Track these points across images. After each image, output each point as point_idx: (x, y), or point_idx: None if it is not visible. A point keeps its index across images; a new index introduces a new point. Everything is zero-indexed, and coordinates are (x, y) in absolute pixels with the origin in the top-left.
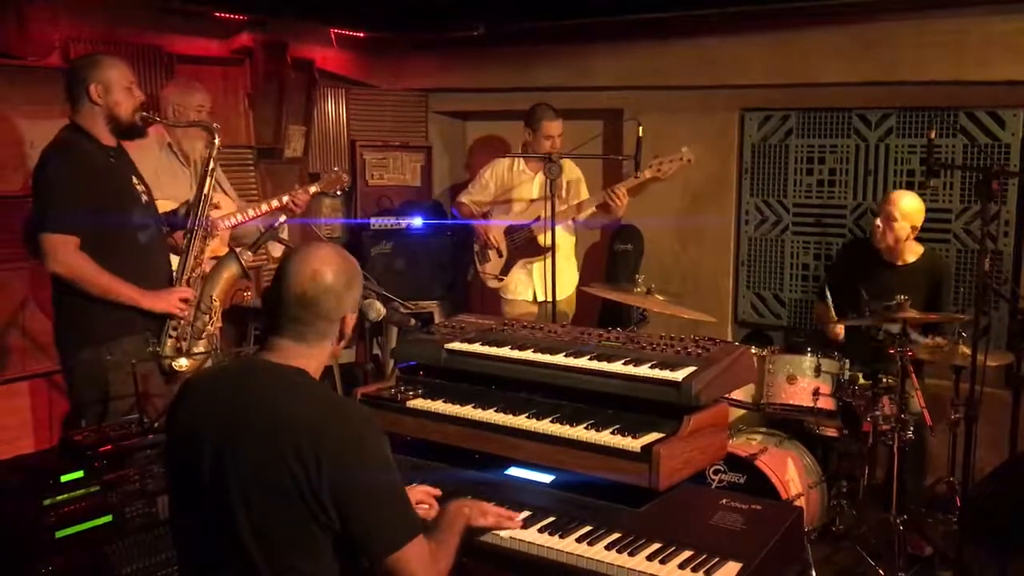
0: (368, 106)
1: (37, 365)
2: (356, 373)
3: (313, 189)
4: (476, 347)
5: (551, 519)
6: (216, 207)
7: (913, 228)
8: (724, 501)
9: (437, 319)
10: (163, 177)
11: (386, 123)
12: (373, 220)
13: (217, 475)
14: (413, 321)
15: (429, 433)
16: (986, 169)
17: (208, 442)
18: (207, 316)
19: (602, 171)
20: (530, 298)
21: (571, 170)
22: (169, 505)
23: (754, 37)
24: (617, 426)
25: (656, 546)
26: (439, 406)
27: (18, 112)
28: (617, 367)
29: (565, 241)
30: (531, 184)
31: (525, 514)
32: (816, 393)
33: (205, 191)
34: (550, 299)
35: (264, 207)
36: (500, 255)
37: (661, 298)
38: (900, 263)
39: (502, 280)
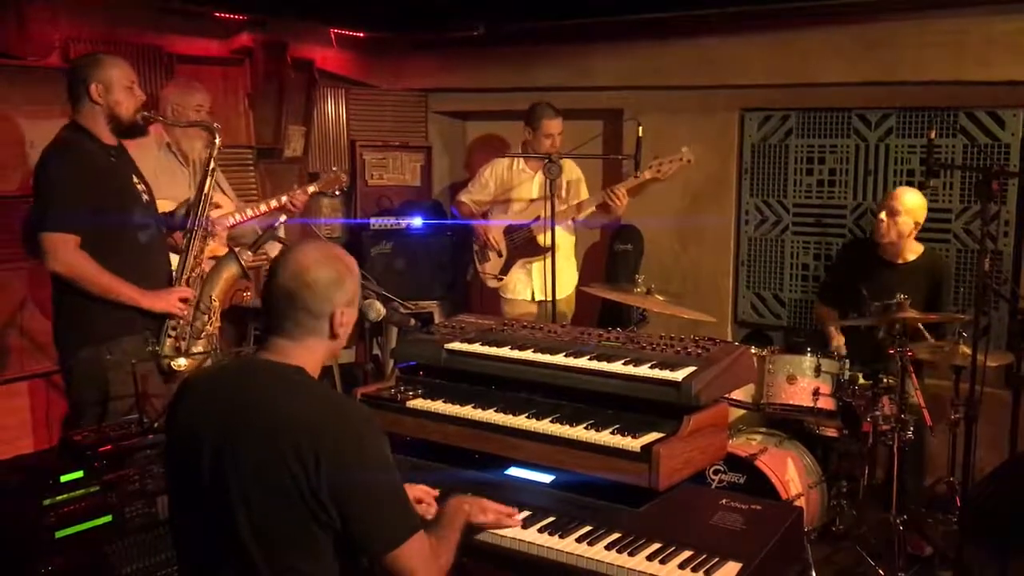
0: (368, 106)
1: (36, 365)
2: (356, 373)
3: (312, 189)
4: (476, 347)
5: (551, 519)
6: (216, 207)
7: (916, 224)
8: (724, 501)
9: (437, 319)
10: (162, 177)
11: (386, 123)
12: (373, 220)
13: (216, 475)
14: (413, 321)
15: (429, 433)
16: (986, 169)
17: (207, 442)
18: (206, 316)
19: (602, 171)
20: (529, 297)
21: (571, 170)
22: (169, 505)
23: (754, 37)
24: (617, 426)
25: (656, 546)
26: (439, 406)
27: (18, 112)
28: (617, 367)
29: (565, 241)
30: (531, 183)
31: (525, 514)
32: (816, 393)
33: (205, 191)
34: (549, 298)
35: (263, 207)
36: (500, 255)
37: (661, 298)
38: (900, 261)
39: (502, 280)
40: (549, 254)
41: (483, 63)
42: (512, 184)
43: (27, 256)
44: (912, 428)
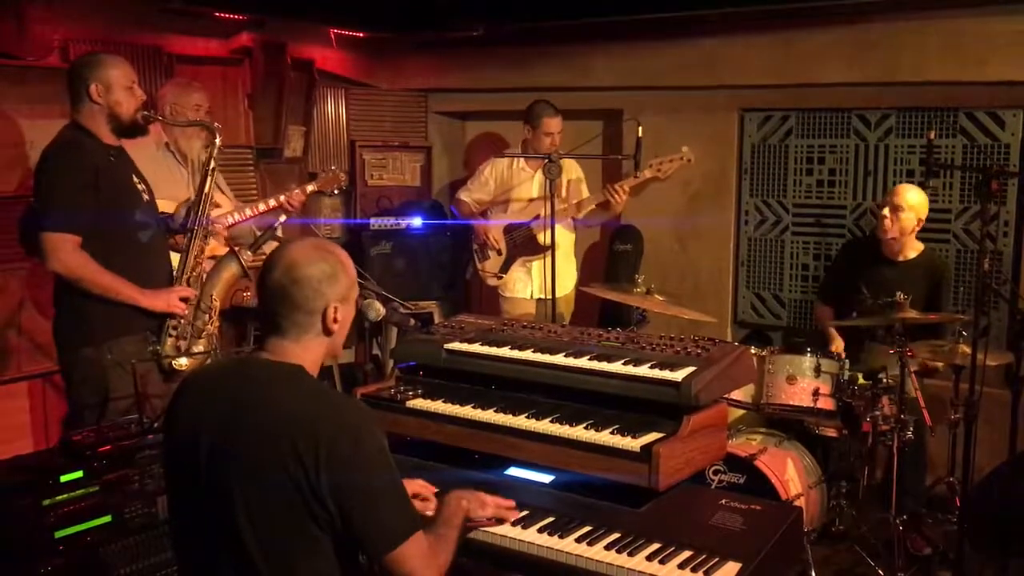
0: (368, 106)
1: (35, 366)
2: (356, 373)
3: (310, 188)
4: (476, 347)
5: (551, 519)
6: (216, 206)
7: (919, 221)
8: (724, 501)
9: (437, 319)
10: (160, 177)
11: (386, 123)
12: (373, 220)
13: (215, 474)
14: (413, 321)
15: (429, 433)
16: (985, 169)
17: (206, 441)
18: (207, 315)
19: (602, 171)
20: (529, 296)
21: (572, 169)
22: (168, 505)
23: (754, 37)
24: (617, 426)
25: (656, 546)
26: (439, 406)
27: (17, 112)
28: (617, 367)
29: (565, 239)
30: (531, 183)
31: (524, 513)
32: (816, 393)
33: (206, 190)
34: (549, 297)
35: (261, 207)
36: (499, 253)
37: (661, 298)
38: (901, 259)
39: (501, 278)
40: (549, 253)
41: (483, 63)
42: (512, 183)
43: (26, 256)
44: (912, 428)
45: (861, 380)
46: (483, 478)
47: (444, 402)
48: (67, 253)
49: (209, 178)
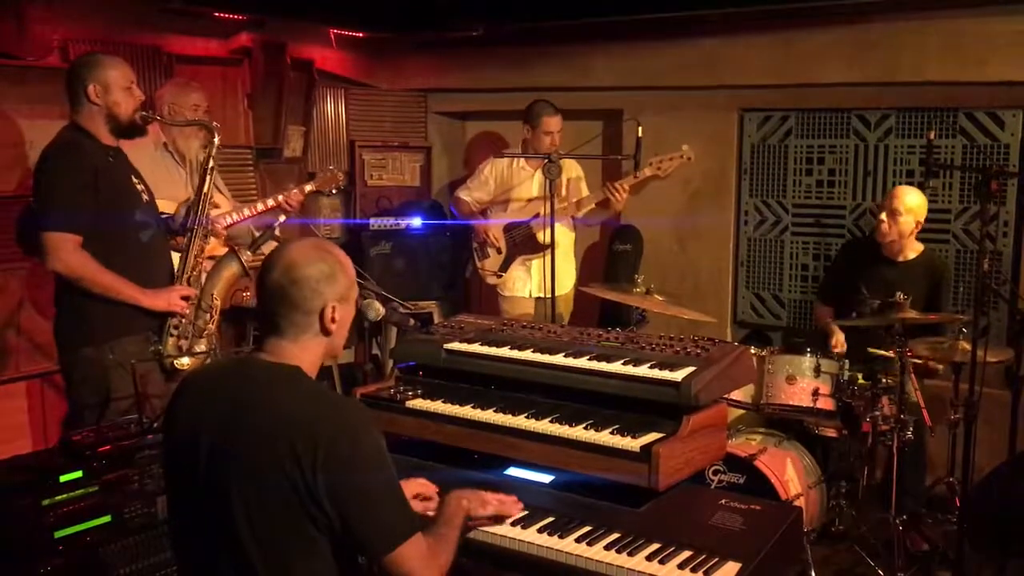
0: (367, 106)
1: (33, 366)
2: (355, 373)
3: (308, 188)
4: (475, 347)
5: (550, 519)
6: (216, 206)
7: (917, 223)
8: (723, 501)
9: (436, 319)
10: (159, 177)
11: (385, 123)
12: (372, 220)
13: (214, 474)
14: (412, 321)
15: (429, 433)
16: (985, 169)
17: (205, 441)
18: (208, 314)
19: (602, 171)
20: (528, 295)
21: (571, 168)
22: (167, 505)
23: (754, 37)
24: (616, 426)
25: (655, 546)
26: (438, 406)
27: (17, 112)
28: (616, 367)
29: (564, 238)
30: (531, 182)
31: (524, 513)
32: (815, 393)
33: (205, 189)
34: (548, 296)
35: (259, 207)
36: (499, 251)
37: (660, 298)
38: (901, 259)
39: (500, 276)
40: (548, 251)
41: (483, 63)
42: (512, 183)
43: (25, 256)
44: (911, 428)
45: (861, 380)
46: (482, 478)
47: (444, 402)
48: (68, 252)
49: (208, 177)
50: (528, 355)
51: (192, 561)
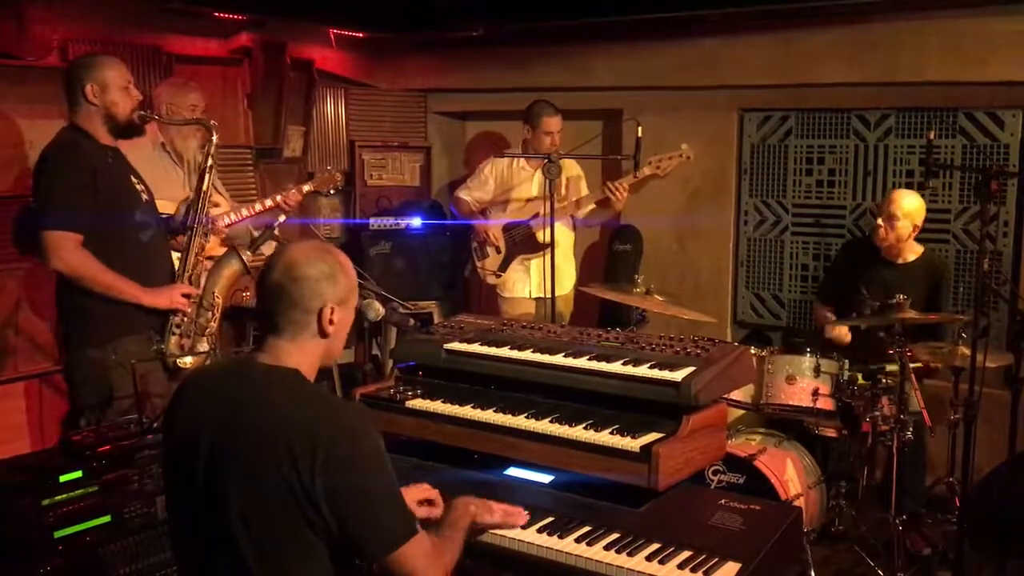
0: (367, 106)
1: (31, 366)
2: (355, 373)
3: (306, 188)
4: (475, 347)
5: (550, 519)
6: (215, 205)
7: (915, 227)
8: (723, 501)
9: (436, 319)
10: (157, 177)
11: (385, 123)
12: (372, 220)
13: (212, 476)
14: (412, 321)
15: (428, 433)
16: (985, 170)
17: (204, 442)
18: (210, 312)
19: (601, 171)
20: (528, 295)
21: (571, 167)
22: (166, 505)
23: (754, 37)
24: (616, 426)
25: (655, 546)
26: (438, 406)
27: (16, 112)
28: (616, 367)
29: (564, 238)
30: (531, 182)
31: (527, 516)
32: (815, 393)
33: (204, 187)
34: (548, 296)
35: (257, 207)
36: (498, 251)
37: (660, 298)
38: (900, 261)
39: (499, 276)
40: (548, 251)
41: (483, 63)
42: (512, 183)
43: (21, 256)
44: (911, 428)
45: (861, 380)
46: (482, 478)
47: (443, 402)
48: (68, 252)
49: (207, 175)
50: (528, 355)
51: (191, 561)
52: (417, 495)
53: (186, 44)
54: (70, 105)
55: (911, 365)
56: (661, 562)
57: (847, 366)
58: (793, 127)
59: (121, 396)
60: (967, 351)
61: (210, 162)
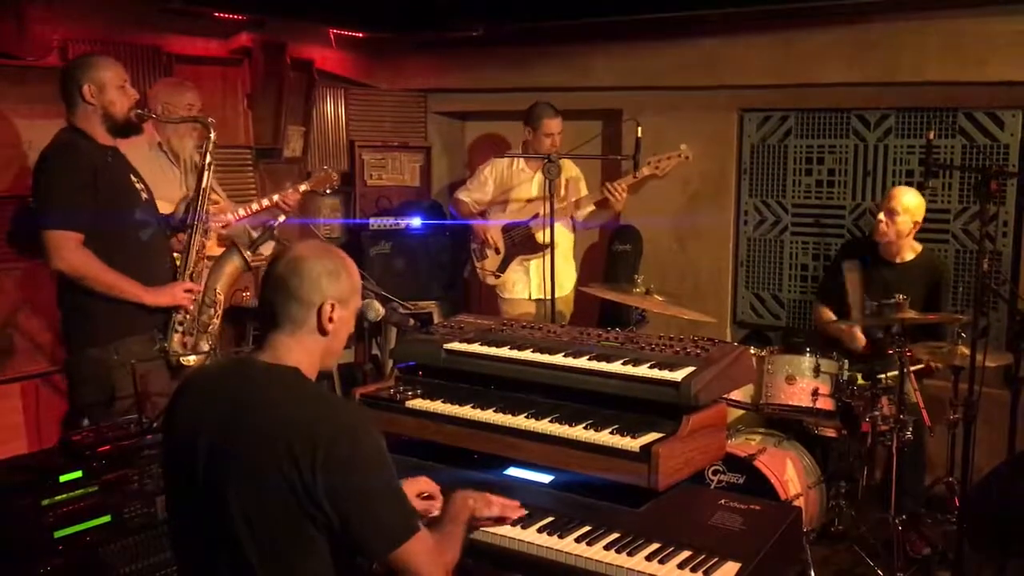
0: (367, 106)
1: (29, 367)
2: (355, 373)
3: (303, 188)
4: (475, 347)
5: (550, 519)
6: (214, 203)
7: (915, 224)
8: (723, 501)
9: (436, 319)
10: (154, 177)
11: (385, 123)
12: (372, 220)
13: (213, 475)
14: (412, 321)
15: (428, 433)
16: (985, 170)
17: (204, 442)
18: (212, 310)
19: (601, 171)
20: (528, 296)
21: (570, 168)
22: (166, 505)
23: (753, 37)
24: (616, 426)
25: (655, 546)
26: (438, 406)
27: (15, 112)
28: (616, 367)
29: (564, 239)
30: (531, 183)
31: (524, 513)
32: (815, 393)
33: (203, 185)
34: (548, 297)
35: (255, 206)
36: (497, 252)
37: (660, 298)
38: (899, 260)
39: (499, 277)
40: (547, 252)
41: (483, 63)
42: (512, 184)
43: (18, 257)
44: (911, 428)
45: (860, 380)
46: (482, 478)
47: (443, 402)
48: (70, 251)
49: (206, 173)
50: (528, 355)
51: (191, 561)
52: (417, 488)
53: (186, 44)
54: (67, 106)
55: (912, 367)
56: (661, 562)
57: (847, 366)
58: (793, 127)
59: (123, 396)
60: (967, 351)
61: (208, 159)
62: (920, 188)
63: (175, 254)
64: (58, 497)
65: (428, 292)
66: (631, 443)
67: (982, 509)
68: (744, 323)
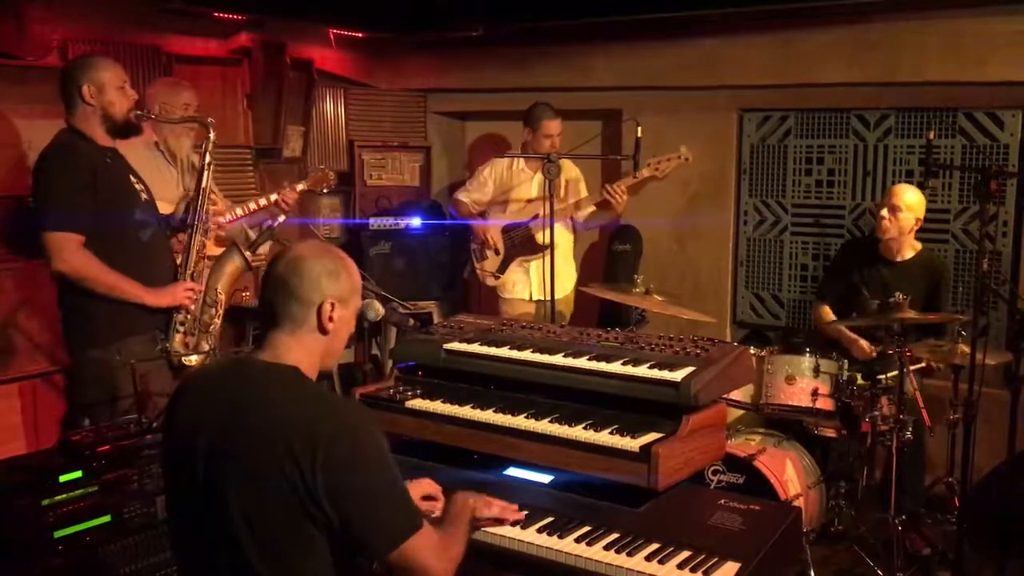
0: (367, 106)
1: (27, 367)
2: (355, 373)
3: (300, 187)
4: (475, 347)
5: (550, 519)
6: (214, 203)
7: (917, 221)
8: (723, 501)
9: (436, 319)
10: (151, 177)
11: (385, 123)
12: (372, 220)
13: (212, 475)
14: (412, 321)
15: (428, 433)
16: (984, 169)
17: (204, 442)
18: (213, 309)
19: (601, 171)
20: (528, 297)
21: (570, 169)
22: (166, 505)
23: (753, 37)
24: (616, 426)
25: (655, 546)
26: (438, 406)
27: (15, 112)
28: (616, 367)
29: (564, 240)
30: (530, 183)
31: (524, 513)
32: (815, 393)
33: (204, 184)
34: (548, 298)
35: (252, 205)
36: (497, 253)
37: (660, 298)
38: (899, 259)
39: (498, 278)
40: (547, 253)
41: (482, 63)
42: (511, 184)
43: (15, 257)
44: (911, 428)
45: (860, 380)
46: (482, 478)
47: (443, 402)
48: (71, 252)
49: (206, 172)
50: (528, 355)
51: (191, 561)
52: (421, 490)
53: (186, 44)
54: (67, 107)
55: (912, 367)
56: (661, 562)
57: (846, 366)
58: (793, 127)
59: (126, 396)
60: (967, 349)
61: (208, 159)
62: (920, 188)
63: (175, 254)
64: (58, 497)
65: (428, 292)
66: (631, 443)
67: (982, 509)
68: (744, 323)
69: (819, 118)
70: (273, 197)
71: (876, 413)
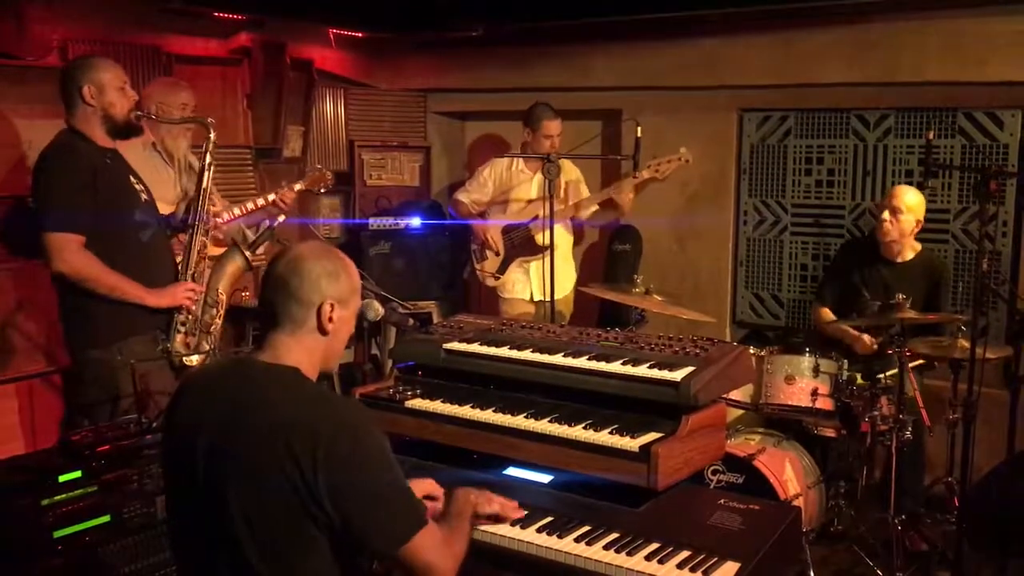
0: (367, 106)
1: (26, 367)
2: (354, 373)
3: (297, 187)
4: (475, 347)
5: (550, 519)
6: (213, 204)
7: (918, 222)
8: (722, 501)
9: (435, 319)
10: (149, 177)
11: (385, 123)
12: (371, 220)
13: (213, 474)
14: (411, 321)
15: (428, 433)
16: (984, 169)
17: (204, 442)
18: (214, 309)
19: (601, 171)
20: (528, 297)
21: (570, 170)
22: (166, 505)
23: (753, 37)
24: (616, 426)
25: (654, 546)
26: (438, 406)
27: (15, 112)
28: (616, 367)
29: (563, 241)
30: (530, 184)
31: (523, 513)
32: (814, 393)
33: (204, 185)
34: (548, 299)
35: (249, 205)
36: (497, 254)
37: (659, 298)
38: (899, 260)
39: (498, 278)
40: (547, 254)
41: (482, 63)
42: (511, 185)
43: (14, 256)
44: (910, 428)
45: (860, 380)
46: (482, 478)
47: (443, 402)
48: (71, 253)
49: (207, 173)
50: (527, 355)
51: (191, 561)
52: (422, 491)
53: (186, 44)
54: (67, 108)
55: (912, 364)
56: (660, 562)
57: (846, 366)
58: (792, 127)
59: (128, 396)
60: (966, 343)
61: (209, 159)
62: (920, 188)
63: (176, 255)
64: (57, 497)
65: (428, 292)
66: (630, 443)
67: (982, 509)
68: (743, 323)
69: (819, 118)
70: (271, 197)
71: (876, 413)
